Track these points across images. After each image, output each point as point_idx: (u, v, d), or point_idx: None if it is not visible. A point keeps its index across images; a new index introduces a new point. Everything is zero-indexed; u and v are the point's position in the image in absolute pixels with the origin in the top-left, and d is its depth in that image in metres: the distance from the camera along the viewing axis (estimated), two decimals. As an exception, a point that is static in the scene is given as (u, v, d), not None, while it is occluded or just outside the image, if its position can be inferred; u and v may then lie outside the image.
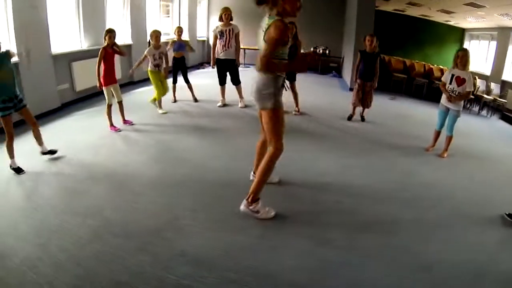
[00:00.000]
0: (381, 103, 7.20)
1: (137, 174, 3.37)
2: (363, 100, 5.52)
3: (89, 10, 6.52)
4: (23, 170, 3.30)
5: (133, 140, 4.39)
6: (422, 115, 6.82)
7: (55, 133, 4.51)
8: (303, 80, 8.92)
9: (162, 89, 5.43)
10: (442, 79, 4.52)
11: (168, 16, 10.00)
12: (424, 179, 3.80)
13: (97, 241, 2.30)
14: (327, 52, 10.82)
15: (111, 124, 4.63)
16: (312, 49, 10.52)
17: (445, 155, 4.49)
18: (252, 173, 3.08)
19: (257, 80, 2.43)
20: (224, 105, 6.04)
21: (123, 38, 7.55)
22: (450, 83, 4.30)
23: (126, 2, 7.61)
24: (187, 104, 6.19)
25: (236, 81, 5.86)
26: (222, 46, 5.57)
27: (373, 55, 5.31)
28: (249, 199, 2.56)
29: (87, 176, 3.29)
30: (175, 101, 6.22)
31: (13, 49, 5.12)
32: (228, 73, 5.83)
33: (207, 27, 11.63)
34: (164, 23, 9.77)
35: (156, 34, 5.23)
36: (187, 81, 6.20)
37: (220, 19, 5.57)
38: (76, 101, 6.35)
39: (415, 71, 9.37)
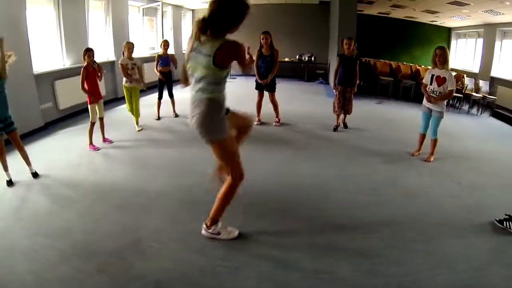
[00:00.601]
0: (367, 108, 7.09)
1: (109, 194, 3.27)
2: (344, 106, 5.34)
3: (70, 27, 6.48)
4: (13, 183, 3.48)
5: (111, 158, 4.30)
6: (409, 118, 6.62)
7: (38, 152, 4.43)
8: (287, 89, 8.89)
9: (134, 109, 5.31)
10: (423, 80, 4.41)
11: (152, 31, 9.96)
12: (407, 187, 3.60)
13: (62, 263, 2.23)
14: (312, 59, 10.75)
15: (91, 143, 4.56)
16: (297, 56, 10.46)
17: (432, 159, 4.32)
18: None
19: (202, 110, 2.17)
20: None
21: (106, 54, 7.49)
22: (431, 84, 4.18)
23: (108, 18, 7.57)
24: (167, 119, 6.08)
25: None
26: None
27: (352, 59, 5.15)
28: (208, 223, 2.46)
29: (62, 196, 3.23)
30: (158, 118, 6.05)
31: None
32: None
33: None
34: (148, 38, 9.73)
35: (129, 46, 5.13)
36: (171, 95, 6.11)
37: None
38: (60, 119, 6.26)
39: (401, 73, 9.27)
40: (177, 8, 10.47)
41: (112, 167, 4.03)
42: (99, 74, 4.54)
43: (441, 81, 4.06)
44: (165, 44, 5.93)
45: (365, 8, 10.37)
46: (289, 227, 2.75)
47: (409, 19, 11.69)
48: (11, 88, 5.32)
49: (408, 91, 8.82)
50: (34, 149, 4.63)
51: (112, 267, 2.17)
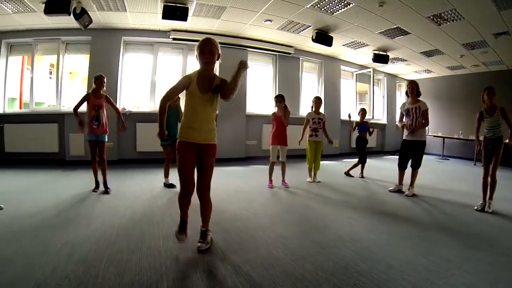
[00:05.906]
0: None
1: (227, 220, 3.03)
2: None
3: (284, 83, 7.25)
4: (174, 185, 4.25)
5: (272, 199, 3.95)
6: None
7: (224, 174, 5.19)
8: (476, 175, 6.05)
9: (315, 163, 5.05)
10: None
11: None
12: None
13: None
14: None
15: (270, 180, 4.58)
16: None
17: None
18: None
19: None
20: (398, 191, 4.55)
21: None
22: None
23: (320, 79, 7.90)
24: (353, 180, 5.37)
25: (415, 166, 4.46)
26: (409, 126, 4.42)
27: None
28: None
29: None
30: (362, 176, 5.61)
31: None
32: (412, 157, 4.49)
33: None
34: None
35: (316, 101, 5.09)
36: (363, 160, 5.69)
37: (406, 94, 4.51)
38: (260, 157, 6.76)
39: None
40: (392, 77, 9.84)
41: (264, 206, 3.62)
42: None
43: None
44: (363, 113, 5.66)
45: None
46: None
47: None
48: (230, 122, 6.36)
49: None
50: (225, 171, 5.44)
51: None
